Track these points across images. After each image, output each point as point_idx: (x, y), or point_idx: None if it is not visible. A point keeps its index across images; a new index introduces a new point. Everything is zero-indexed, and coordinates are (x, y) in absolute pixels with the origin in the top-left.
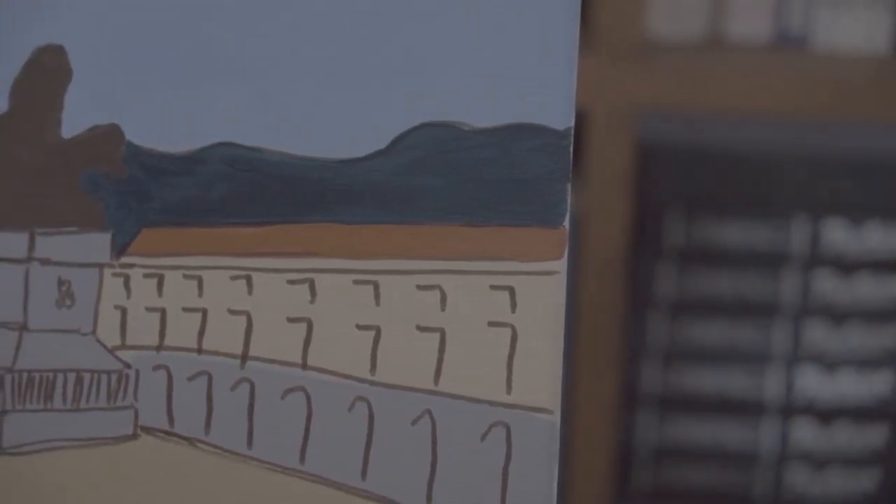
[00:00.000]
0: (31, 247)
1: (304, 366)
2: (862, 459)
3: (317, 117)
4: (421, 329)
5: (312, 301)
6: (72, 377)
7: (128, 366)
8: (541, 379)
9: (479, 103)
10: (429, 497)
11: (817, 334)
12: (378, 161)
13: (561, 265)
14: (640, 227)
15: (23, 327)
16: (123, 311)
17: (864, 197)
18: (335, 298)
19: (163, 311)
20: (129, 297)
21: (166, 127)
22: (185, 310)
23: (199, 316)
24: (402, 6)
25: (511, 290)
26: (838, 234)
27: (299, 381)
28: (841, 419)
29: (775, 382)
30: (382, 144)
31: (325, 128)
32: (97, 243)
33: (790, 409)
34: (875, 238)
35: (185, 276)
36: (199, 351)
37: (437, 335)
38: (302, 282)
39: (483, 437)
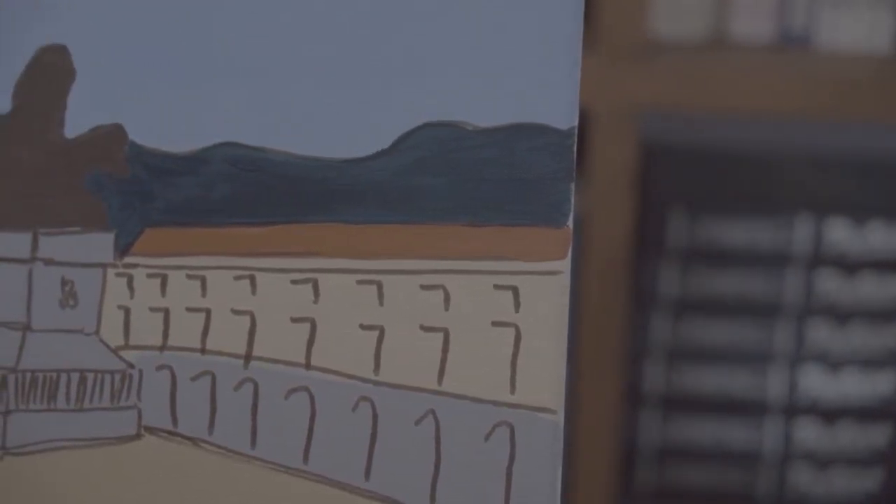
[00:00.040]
0: (35, 247)
1: (308, 366)
2: (865, 459)
3: (319, 117)
4: (424, 329)
5: (316, 301)
6: (75, 377)
7: (131, 366)
8: (544, 379)
9: (482, 103)
10: (432, 497)
11: (820, 334)
12: (381, 161)
13: (564, 265)
14: (643, 227)
15: (26, 327)
16: (127, 311)
17: (867, 196)
18: (339, 298)
19: (166, 311)
20: (132, 297)
21: (170, 127)
22: (188, 310)
23: (202, 316)
24: (406, 5)
25: (514, 290)
26: (841, 234)
27: (303, 381)
28: (844, 419)
29: (778, 382)
30: (385, 144)
31: (327, 128)
32: (100, 243)
33: (793, 409)
34: (878, 237)
35: (189, 276)
36: (203, 351)
37: (440, 335)
38: (305, 282)
39: (487, 437)
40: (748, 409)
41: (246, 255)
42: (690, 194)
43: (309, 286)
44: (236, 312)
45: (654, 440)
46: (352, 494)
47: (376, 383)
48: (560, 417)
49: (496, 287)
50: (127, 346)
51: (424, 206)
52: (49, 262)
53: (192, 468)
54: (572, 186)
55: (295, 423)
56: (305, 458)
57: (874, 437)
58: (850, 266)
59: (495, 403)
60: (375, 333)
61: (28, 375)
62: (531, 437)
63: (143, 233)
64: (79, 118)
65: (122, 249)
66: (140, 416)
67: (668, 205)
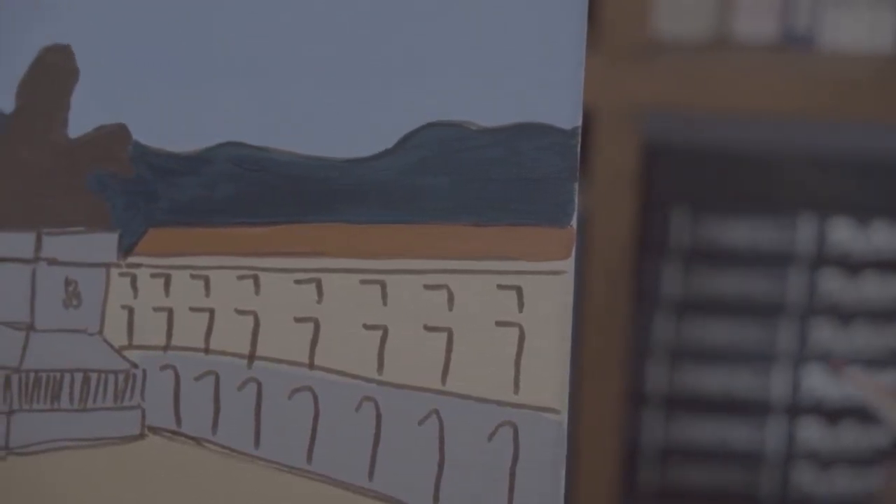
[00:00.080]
0: (38, 247)
1: (312, 366)
2: (868, 459)
3: (322, 117)
4: (428, 329)
5: (319, 301)
6: (79, 377)
7: (135, 366)
8: (548, 378)
9: (485, 103)
10: (436, 497)
11: (823, 334)
12: (385, 161)
13: (568, 265)
14: (646, 227)
15: (30, 327)
16: (130, 311)
17: (869, 196)
18: (342, 298)
19: (170, 311)
20: (136, 296)
21: (173, 127)
22: (192, 310)
23: (206, 316)
24: (409, 5)
25: (518, 290)
26: (844, 234)
27: (306, 381)
28: (847, 419)
29: (781, 382)
30: (389, 144)
31: (331, 128)
32: (104, 243)
33: (796, 409)
34: (881, 237)
35: (193, 276)
36: (207, 351)
37: (444, 335)
38: (309, 281)
39: (490, 437)
40: (751, 409)
41: (249, 255)
42: (693, 194)
43: (312, 286)
44: (240, 312)
45: (658, 440)
46: (355, 494)
47: (380, 383)
48: (563, 417)
49: (500, 287)
50: (130, 346)
51: (428, 206)
52: (52, 262)
53: (195, 468)
54: (576, 186)
55: (298, 422)
56: (309, 458)
57: (877, 437)
58: (853, 266)
59: (499, 403)
60: (379, 333)
61: (32, 375)
62: (535, 436)
63: (147, 233)
64: (82, 118)
65: (126, 249)
66: (143, 416)
67: (671, 204)
